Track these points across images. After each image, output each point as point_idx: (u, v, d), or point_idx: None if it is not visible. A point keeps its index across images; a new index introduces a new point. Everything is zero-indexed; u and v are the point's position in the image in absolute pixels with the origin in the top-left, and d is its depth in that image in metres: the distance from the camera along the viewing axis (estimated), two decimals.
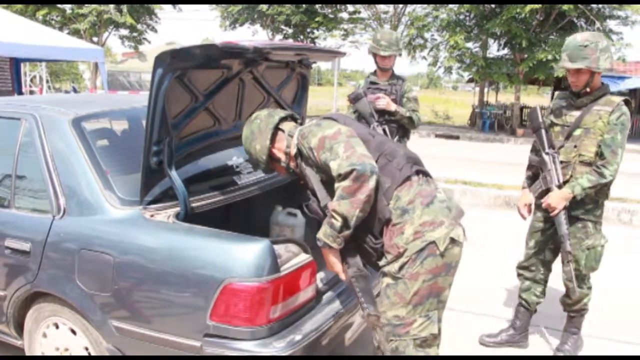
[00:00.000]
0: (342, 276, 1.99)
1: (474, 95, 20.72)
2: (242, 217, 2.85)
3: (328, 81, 50.78)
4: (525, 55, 14.73)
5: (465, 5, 15.11)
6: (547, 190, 2.73)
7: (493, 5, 15.24)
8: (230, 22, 21.83)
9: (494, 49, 17.04)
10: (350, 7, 20.12)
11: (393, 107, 3.56)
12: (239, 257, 1.82)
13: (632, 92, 16.56)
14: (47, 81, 21.79)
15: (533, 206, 2.91)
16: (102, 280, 2.00)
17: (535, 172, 2.89)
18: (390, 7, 18.47)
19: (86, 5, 19.69)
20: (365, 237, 1.93)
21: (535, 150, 2.91)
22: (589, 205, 2.71)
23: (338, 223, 1.83)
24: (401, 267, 1.87)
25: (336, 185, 1.83)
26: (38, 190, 2.27)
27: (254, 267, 1.79)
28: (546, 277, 3.00)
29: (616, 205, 5.98)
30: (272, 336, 1.84)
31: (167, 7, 25.93)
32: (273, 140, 2.10)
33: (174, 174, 2.14)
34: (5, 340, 2.48)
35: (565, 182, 2.69)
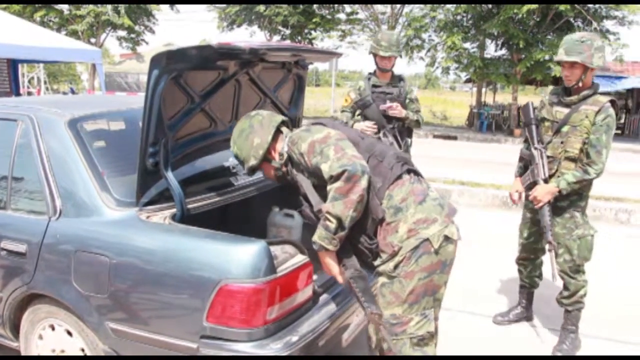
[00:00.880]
0: (340, 279, 1.99)
1: (471, 96, 20.72)
2: (239, 219, 2.85)
3: (326, 82, 50.78)
4: (523, 56, 14.75)
5: (462, 5, 15.12)
6: (535, 183, 2.88)
7: (490, 6, 15.27)
8: (227, 24, 21.80)
9: (492, 50, 17.14)
10: (348, 8, 20.13)
11: (404, 113, 3.64)
12: (235, 258, 1.81)
13: (629, 92, 16.62)
14: (45, 82, 21.74)
15: (523, 195, 3.06)
16: (98, 282, 1.99)
17: (526, 164, 3.04)
18: (387, 8, 18.46)
19: (84, 6, 19.65)
20: (360, 238, 1.93)
21: (527, 143, 3.05)
22: (573, 196, 2.84)
23: (333, 225, 1.84)
24: (396, 266, 1.88)
25: (328, 187, 1.84)
26: (34, 192, 2.26)
27: (250, 268, 1.79)
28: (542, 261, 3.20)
29: (614, 205, 6.01)
30: (268, 337, 1.84)
31: (165, 9, 25.88)
32: (275, 137, 2.11)
33: (170, 175, 2.14)
34: (1, 342, 2.47)
35: (551, 177, 2.84)
